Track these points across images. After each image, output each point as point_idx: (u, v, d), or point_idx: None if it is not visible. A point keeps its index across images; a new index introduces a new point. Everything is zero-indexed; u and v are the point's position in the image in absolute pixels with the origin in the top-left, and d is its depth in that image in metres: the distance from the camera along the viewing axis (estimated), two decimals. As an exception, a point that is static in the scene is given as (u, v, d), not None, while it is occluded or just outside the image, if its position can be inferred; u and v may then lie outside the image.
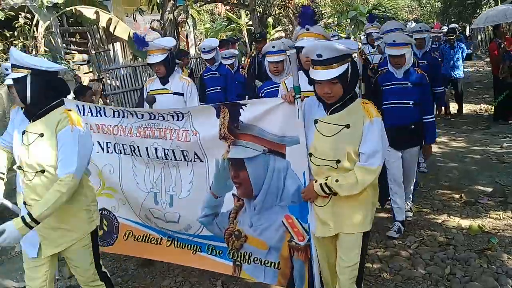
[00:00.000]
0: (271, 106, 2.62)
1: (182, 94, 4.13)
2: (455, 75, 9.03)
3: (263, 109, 2.64)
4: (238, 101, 2.81)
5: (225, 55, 6.18)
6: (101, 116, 3.17)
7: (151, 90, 4.21)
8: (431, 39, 7.81)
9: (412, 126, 3.98)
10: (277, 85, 3.82)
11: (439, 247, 3.93)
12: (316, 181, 2.47)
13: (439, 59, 8.44)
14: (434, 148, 6.93)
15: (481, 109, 10.21)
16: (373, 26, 6.73)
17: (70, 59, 9.70)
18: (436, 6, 30.74)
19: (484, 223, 4.32)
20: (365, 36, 7.01)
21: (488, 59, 14.58)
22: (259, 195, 2.76)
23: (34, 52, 8.14)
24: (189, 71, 9.19)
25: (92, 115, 3.18)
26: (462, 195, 5.08)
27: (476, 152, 6.76)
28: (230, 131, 2.73)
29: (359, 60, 3.90)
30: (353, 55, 2.38)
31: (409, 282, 3.43)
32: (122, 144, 3.16)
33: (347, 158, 2.40)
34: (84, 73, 10.14)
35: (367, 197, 2.52)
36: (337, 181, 2.39)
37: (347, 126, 2.38)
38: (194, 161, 2.94)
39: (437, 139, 7.65)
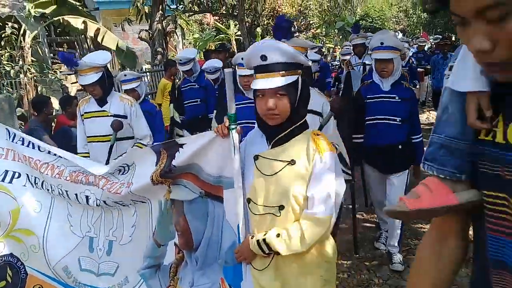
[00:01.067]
0: (206, 142, 2.17)
1: (124, 117, 3.68)
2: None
3: (198, 145, 2.20)
4: (177, 141, 2.31)
5: (210, 70, 5.83)
6: (33, 148, 2.69)
7: (85, 113, 3.76)
8: (410, 50, 7.85)
9: (400, 147, 3.54)
10: (249, 101, 3.47)
11: (426, 256, 3.94)
12: (252, 237, 1.94)
13: (428, 67, 8.49)
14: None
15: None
16: (359, 36, 6.77)
17: (57, 69, 9.66)
18: (423, 17, 31.18)
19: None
20: (351, 47, 7.06)
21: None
22: (200, 247, 2.23)
23: (21, 62, 8.10)
24: (177, 81, 9.22)
25: (22, 144, 2.70)
26: (449, 203, 5.11)
27: (463, 161, 6.81)
28: (162, 176, 2.26)
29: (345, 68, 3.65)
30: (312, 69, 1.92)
31: (396, 292, 3.44)
32: (51, 184, 2.67)
33: (293, 204, 1.87)
34: (72, 83, 10.09)
35: (317, 254, 1.96)
36: (278, 235, 1.85)
37: (292, 162, 1.87)
38: (136, 203, 2.47)
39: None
